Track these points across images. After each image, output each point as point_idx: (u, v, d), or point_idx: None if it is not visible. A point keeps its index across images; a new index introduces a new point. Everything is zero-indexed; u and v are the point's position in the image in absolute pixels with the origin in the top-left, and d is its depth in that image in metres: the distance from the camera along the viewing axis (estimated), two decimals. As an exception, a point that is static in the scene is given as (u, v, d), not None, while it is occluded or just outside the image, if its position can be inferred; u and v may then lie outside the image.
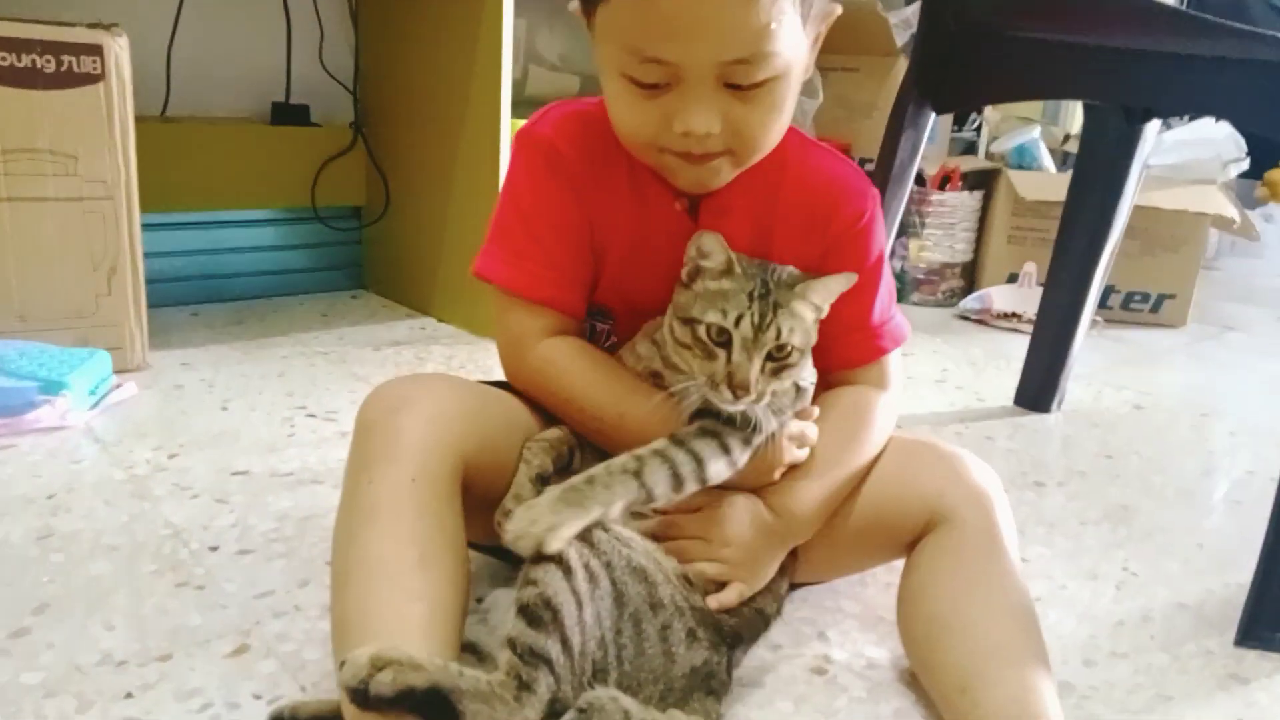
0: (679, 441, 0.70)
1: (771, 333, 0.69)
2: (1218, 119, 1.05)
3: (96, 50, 1.27)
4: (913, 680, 0.77)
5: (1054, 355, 1.51)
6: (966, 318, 2.14)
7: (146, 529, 0.95)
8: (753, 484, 0.76)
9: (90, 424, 1.20)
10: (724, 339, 0.69)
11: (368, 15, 1.87)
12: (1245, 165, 2.11)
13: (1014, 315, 2.09)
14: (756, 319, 0.69)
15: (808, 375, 0.77)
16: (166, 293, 1.73)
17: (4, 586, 0.83)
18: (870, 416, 0.83)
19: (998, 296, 2.13)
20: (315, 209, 1.87)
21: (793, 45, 0.68)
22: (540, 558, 0.62)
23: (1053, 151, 2.31)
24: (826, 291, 0.73)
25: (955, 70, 1.02)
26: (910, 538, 0.80)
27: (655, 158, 0.74)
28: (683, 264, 0.74)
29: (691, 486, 0.69)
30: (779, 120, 0.73)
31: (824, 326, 0.78)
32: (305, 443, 1.19)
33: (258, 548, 0.93)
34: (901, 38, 2.25)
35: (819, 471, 0.78)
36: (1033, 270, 2.15)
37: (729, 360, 0.69)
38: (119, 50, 1.29)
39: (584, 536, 0.65)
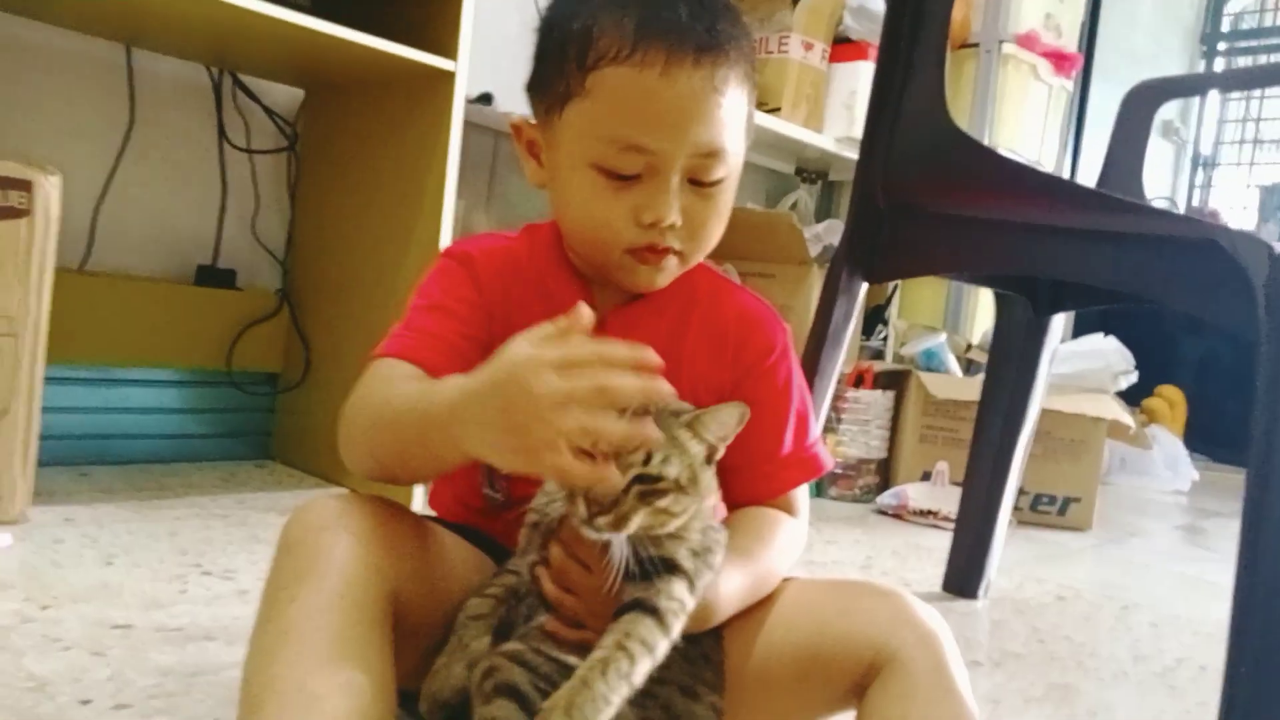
0: (626, 635, 0.62)
1: (639, 454, 0.61)
2: (1118, 293, 1.13)
3: (26, 186, 1.24)
4: None
5: (978, 542, 1.51)
6: (884, 513, 2.15)
7: (2, 681, 0.83)
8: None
9: (-50, 573, 1.07)
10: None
11: (306, 190, 1.90)
12: (1134, 378, 2.25)
13: (930, 513, 2.12)
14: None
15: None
16: (54, 450, 1.61)
17: None
18: (775, 530, 0.80)
19: (913, 494, 2.16)
20: (230, 372, 1.80)
21: (739, 152, 0.76)
22: (497, 692, 0.56)
23: (957, 358, 2.43)
24: (718, 425, 0.66)
25: (884, 244, 1.08)
26: (852, 681, 0.73)
27: (607, 256, 0.76)
28: None
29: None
30: (722, 223, 0.78)
31: (731, 460, 0.75)
32: (198, 599, 1.08)
33: (136, 703, 0.82)
34: (814, 249, 2.39)
35: (733, 561, 0.72)
36: (945, 469, 2.20)
37: None
38: (50, 189, 1.27)
39: (530, 665, 0.59)
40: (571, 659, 0.61)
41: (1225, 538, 2.38)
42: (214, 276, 1.83)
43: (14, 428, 1.27)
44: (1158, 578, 1.88)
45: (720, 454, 0.69)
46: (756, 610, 0.76)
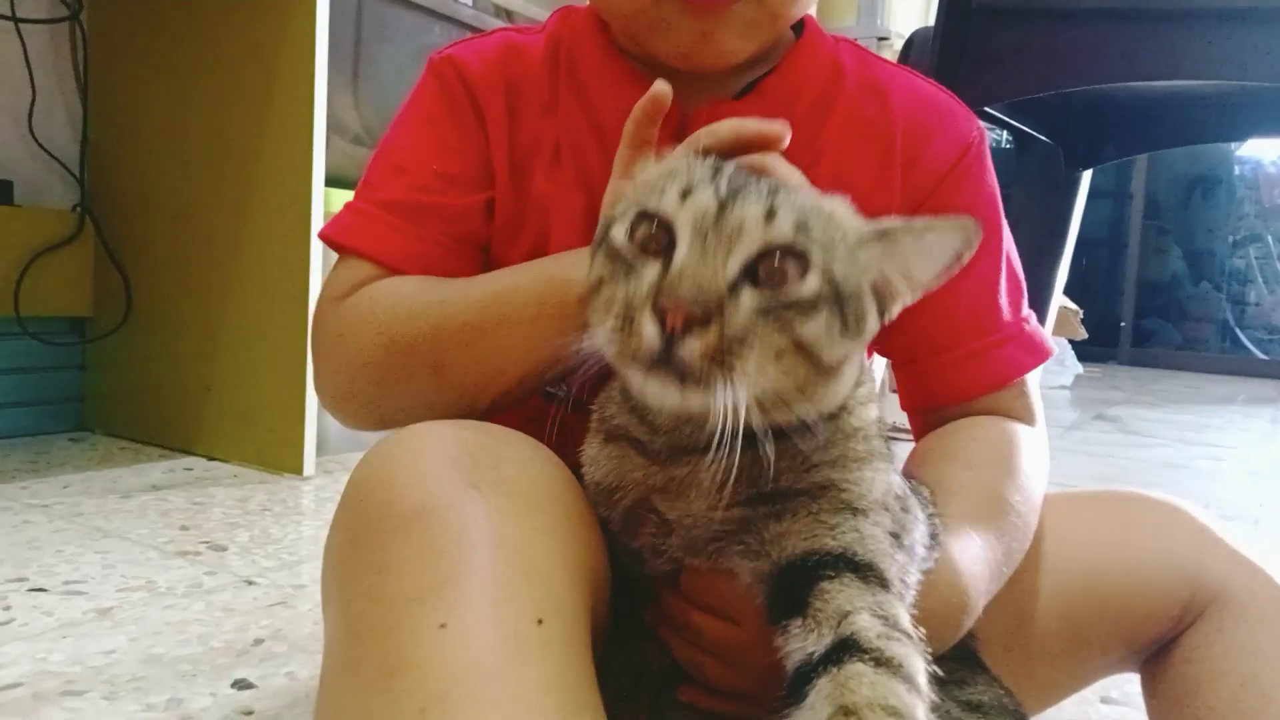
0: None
1: (756, 207, 0.37)
2: (1163, 140, 0.95)
3: None
4: None
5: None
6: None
7: None
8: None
9: None
10: (667, 241, 0.37)
11: (101, 79, 1.43)
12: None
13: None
14: (723, 192, 0.38)
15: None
16: None
17: None
18: (1016, 452, 0.53)
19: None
20: (21, 318, 1.33)
21: None
22: None
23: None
24: (923, 256, 0.41)
25: (975, 58, 0.83)
26: (1153, 635, 0.53)
27: (648, 13, 0.52)
28: None
29: None
30: None
31: (930, 331, 0.54)
32: (33, 634, 0.70)
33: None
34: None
35: (973, 520, 0.48)
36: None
37: (666, 270, 0.36)
38: None
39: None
40: None
41: (1147, 423, 2.38)
42: (-19, 190, 1.35)
43: None
44: (1123, 463, 1.82)
45: (897, 308, 0.42)
46: None
